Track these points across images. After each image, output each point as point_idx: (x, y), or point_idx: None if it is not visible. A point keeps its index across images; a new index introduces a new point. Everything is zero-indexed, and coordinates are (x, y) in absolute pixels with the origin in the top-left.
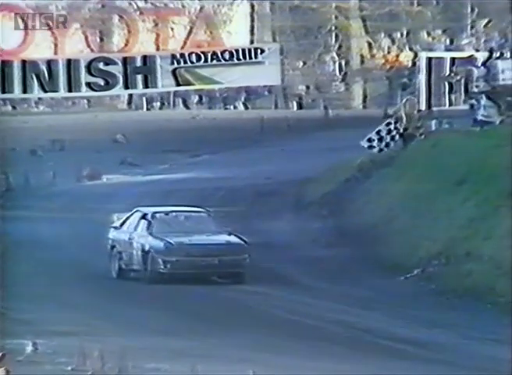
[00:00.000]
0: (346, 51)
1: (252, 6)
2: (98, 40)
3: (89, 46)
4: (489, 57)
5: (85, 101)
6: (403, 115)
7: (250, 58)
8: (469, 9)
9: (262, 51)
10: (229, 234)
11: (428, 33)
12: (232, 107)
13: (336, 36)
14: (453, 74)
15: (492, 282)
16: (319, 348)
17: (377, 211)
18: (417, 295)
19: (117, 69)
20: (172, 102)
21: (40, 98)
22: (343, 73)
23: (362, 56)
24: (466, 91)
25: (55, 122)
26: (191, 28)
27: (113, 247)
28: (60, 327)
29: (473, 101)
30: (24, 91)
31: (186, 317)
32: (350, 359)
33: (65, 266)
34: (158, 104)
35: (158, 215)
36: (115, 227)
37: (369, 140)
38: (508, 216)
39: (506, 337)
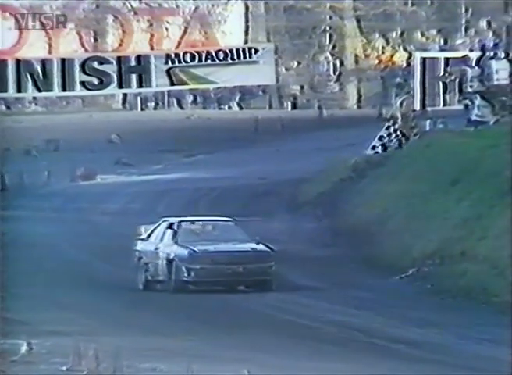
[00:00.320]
0: (341, 52)
1: (246, 6)
2: (92, 40)
3: (83, 46)
4: (482, 55)
5: (79, 100)
6: (399, 115)
7: (245, 58)
8: (463, 9)
9: (256, 51)
10: (257, 243)
11: (423, 34)
12: (226, 107)
13: (331, 36)
14: (447, 74)
15: (487, 282)
16: (314, 348)
17: (372, 211)
18: (411, 295)
19: (111, 69)
20: (166, 102)
21: (34, 98)
22: (337, 73)
23: (356, 56)
24: (460, 91)
25: (50, 122)
26: (186, 28)
27: (140, 258)
28: (54, 327)
29: (467, 101)
30: (18, 90)
31: (185, 317)
32: (345, 359)
33: (60, 266)
34: (153, 104)
35: (184, 224)
36: (142, 239)
37: (373, 147)
38: (502, 215)
39: (501, 337)
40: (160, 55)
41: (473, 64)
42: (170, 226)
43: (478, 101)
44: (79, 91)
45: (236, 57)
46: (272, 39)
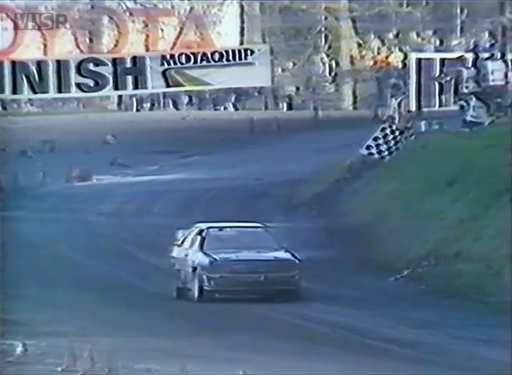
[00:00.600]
0: (336, 52)
1: (242, 7)
2: (88, 41)
3: (78, 47)
4: (476, 55)
5: (75, 102)
6: (396, 116)
7: (240, 59)
8: (459, 10)
9: (252, 52)
10: (286, 251)
11: (418, 34)
12: (222, 108)
13: (326, 37)
14: (442, 75)
15: (483, 282)
16: (309, 349)
17: (367, 211)
18: (407, 296)
19: (107, 70)
20: (162, 103)
21: (30, 99)
22: (332, 73)
23: (352, 57)
24: (456, 91)
25: (45, 123)
26: (181, 29)
27: (173, 265)
28: (49, 328)
29: (463, 102)
30: (14, 91)
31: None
32: (339, 360)
33: (56, 267)
34: (148, 105)
35: (211, 230)
36: (178, 245)
37: (368, 147)
38: (498, 216)
39: (496, 338)
40: (155, 56)
41: (469, 65)
42: (200, 233)
43: (473, 101)
44: (74, 92)
45: (231, 58)
46: (267, 40)
